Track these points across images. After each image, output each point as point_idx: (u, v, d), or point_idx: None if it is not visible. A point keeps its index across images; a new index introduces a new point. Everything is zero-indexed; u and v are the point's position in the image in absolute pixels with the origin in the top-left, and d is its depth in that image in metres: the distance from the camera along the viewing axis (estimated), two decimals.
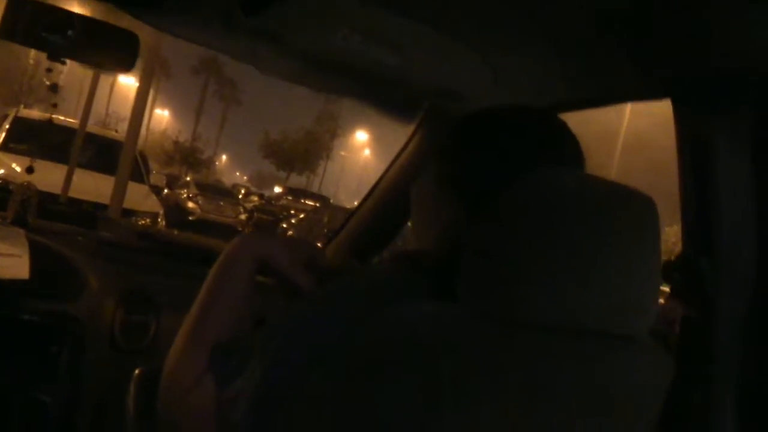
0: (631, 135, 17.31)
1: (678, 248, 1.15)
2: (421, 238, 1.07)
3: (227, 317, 0.98)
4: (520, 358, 0.76)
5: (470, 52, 1.33)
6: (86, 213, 2.63)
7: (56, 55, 1.48)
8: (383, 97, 1.76)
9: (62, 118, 9.83)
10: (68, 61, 1.53)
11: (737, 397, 1.09)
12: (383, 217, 2.02)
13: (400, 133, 2.02)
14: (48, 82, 1.65)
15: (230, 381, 0.88)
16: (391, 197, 1.97)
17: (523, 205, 0.81)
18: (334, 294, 0.93)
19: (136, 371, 1.13)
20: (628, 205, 0.82)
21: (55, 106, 1.79)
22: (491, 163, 0.98)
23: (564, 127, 1.03)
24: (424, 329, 0.76)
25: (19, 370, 1.52)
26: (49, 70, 1.58)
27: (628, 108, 15.81)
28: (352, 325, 0.85)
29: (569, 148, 1.01)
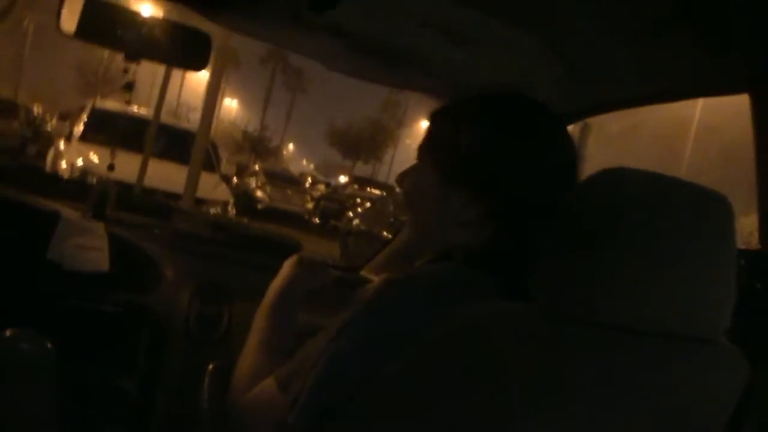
0: (703, 122, 16.79)
1: (754, 238, 1.12)
2: (427, 234, 1.07)
3: (288, 327, 1.13)
4: (595, 358, 0.76)
5: (543, 46, 1.31)
6: (161, 205, 2.71)
7: (131, 55, 1.53)
8: (450, 91, 1.76)
9: (136, 108, 10.12)
10: None
11: None
12: None
13: None
14: (124, 81, 1.70)
15: (289, 385, 0.92)
16: None
17: (597, 204, 0.80)
18: (409, 287, 0.94)
19: (210, 366, 1.17)
20: (703, 205, 0.81)
21: (129, 102, 1.84)
22: (504, 155, 0.99)
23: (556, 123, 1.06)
24: (498, 328, 0.77)
25: (101, 359, 1.58)
26: (125, 71, 1.63)
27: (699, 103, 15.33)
28: (428, 319, 0.87)
29: (568, 145, 1.04)
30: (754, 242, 1.12)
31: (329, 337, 0.91)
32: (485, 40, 1.36)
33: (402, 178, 1.14)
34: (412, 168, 1.12)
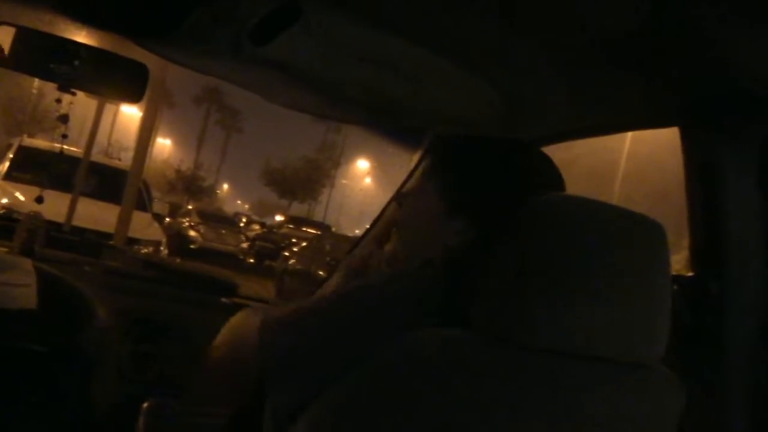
0: (631, 162, 17.36)
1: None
2: (411, 255, 1.08)
3: None
4: (533, 383, 0.76)
5: (480, 80, 1.33)
6: (91, 242, 2.62)
7: (65, 85, 1.49)
8: (390, 124, 1.77)
9: (66, 147, 9.86)
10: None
11: (748, 418, 1.08)
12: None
13: (401, 160, 2.03)
14: (57, 113, 1.65)
15: None
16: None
17: (535, 230, 0.81)
18: (357, 306, 0.94)
19: (146, 404, 1.13)
20: (640, 232, 0.82)
21: (65, 137, 1.79)
22: (494, 186, 1.04)
23: (546, 157, 1.12)
24: (440, 354, 0.76)
25: (27, 402, 1.50)
26: (58, 101, 1.58)
27: (629, 136, 15.86)
28: (372, 343, 0.86)
29: (555, 177, 1.08)
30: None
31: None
32: (425, 75, 1.38)
33: (403, 198, 1.19)
34: (413, 190, 1.16)
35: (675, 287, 1.06)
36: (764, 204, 1.09)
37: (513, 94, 1.36)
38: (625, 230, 0.81)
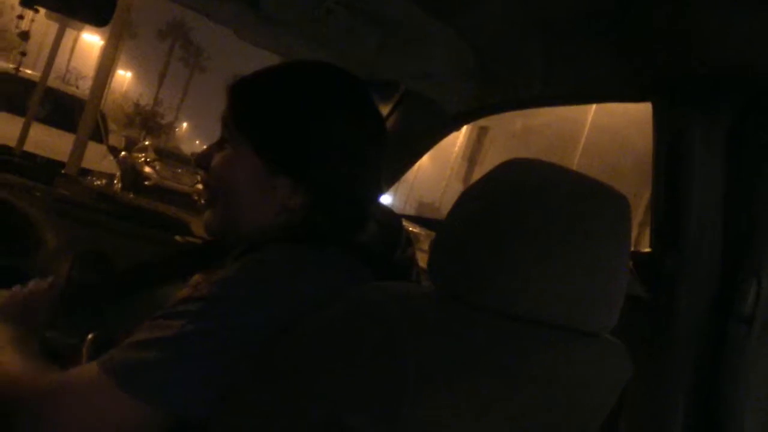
0: (592, 135, 17.55)
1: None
2: (239, 223, 1.01)
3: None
4: (484, 342, 0.76)
5: (451, 33, 1.32)
6: (44, 168, 2.56)
7: (28, 1, 1.43)
8: (359, 74, 1.75)
9: (22, 69, 9.57)
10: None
11: (690, 397, 1.11)
12: None
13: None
14: (18, 29, 1.59)
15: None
16: None
17: (498, 193, 0.80)
18: (291, 267, 0.91)
19: (89, 336, 1.11)
20: (602, 201, 0.82)
21: (24, 54, 1.72)
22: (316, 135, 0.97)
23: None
24: (392, 308, 0.76)
25: None
26: (20, 17, 1.52)
27: (593, 107, 15.99)
28: (317, 300, 0.85)
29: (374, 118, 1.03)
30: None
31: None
32: (399, 24, 1.36)
33: (205, 159, 1.05)
34: (217, 147, 1.04)
35: (630, 263, 1.08)
36: (727, 184, 1.11)
37: (485, 50, 1.35)
38: (590, 199, 0.81)
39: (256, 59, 1.67)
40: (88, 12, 1.40)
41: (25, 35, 1.51)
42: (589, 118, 17.54)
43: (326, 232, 0.97)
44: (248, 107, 1.00)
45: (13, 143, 6.74)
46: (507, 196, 0.80)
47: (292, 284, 0.88)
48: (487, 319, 0.76)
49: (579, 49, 1.20)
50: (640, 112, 1.22)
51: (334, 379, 0.75)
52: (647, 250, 1.15)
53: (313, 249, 0.94)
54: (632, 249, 0.95)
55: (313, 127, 0.97)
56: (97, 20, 1.41)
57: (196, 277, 1.15)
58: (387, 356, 0.72)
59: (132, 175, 16.18)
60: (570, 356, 0.83)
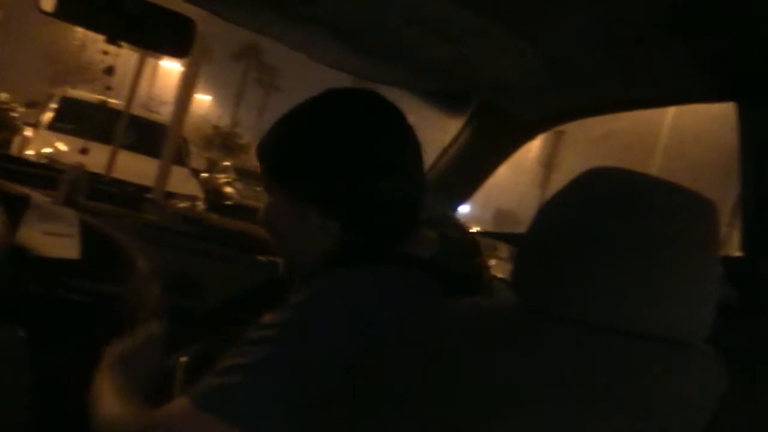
0: (673, 135, 17.05)
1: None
2: (298, 254, 1.05)
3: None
4: (573, 357, 0.75)
5: (525, 45, 1.31)
6: (132, 195, 2.66)
7: (112, 38, 1.49)
8: (432, 87, 1.75)
9: (107, 99, 9.97)
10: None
11: None
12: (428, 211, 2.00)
13: (440, 123, 2.00)
14: (103, 64, 1.66)
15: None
16: (438, 195, 1.95)
17: (581, 203, 0.79)
18: (373, 282, 0.94)
19: (182, 359, 1.14)
20: (690, 208, 0.80)
21: (109, 89, 1.80)
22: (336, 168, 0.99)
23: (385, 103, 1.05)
24: (478, 324, 0.76)
25: (68, 349, 1.53)
26: (105, 53, 1.59)
27: (672, 109, 15.55)
28: (385, 317, 0.86)
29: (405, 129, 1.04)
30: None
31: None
32: (472, 38, 1.35)
33: (263, 222, 1.11)
34: (265, 209, 1.09)
35: (721, 269, 1.04)
36: None
37: (562, 59, 1.33)
38: (678, 206, 0.79)
39: (329, 76, 1.69)
40: (169, 46, 1.46)
41: (110, 71, 1.58)
42: (669, 118, 17.05)
43: (367, 247, 0.99)
44: (266, 151, 1.06)
45: (102, 170, 7.03)
46: (593, 206, 0.78)
47: (359, 305, 0.90)
48: (576, 332, 0.75)
49: (659, 53, 1.17)
50: (723, 109, 1.18)
51: (421, 397, 0.75)
52: (738, 254, 1.11)
53: (368, 268, 0.96)
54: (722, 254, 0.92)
55: (325, 154, 0.99)
56: (178, 53, 1.46)
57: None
58: (473, 373, 0.72)
59: (214, 196, 16.60)
60: (665, 368, 0.81)
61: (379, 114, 1.04)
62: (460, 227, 1.12)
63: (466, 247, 1.07)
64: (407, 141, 1.05)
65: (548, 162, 21.01)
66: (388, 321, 0.86)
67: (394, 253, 0.99)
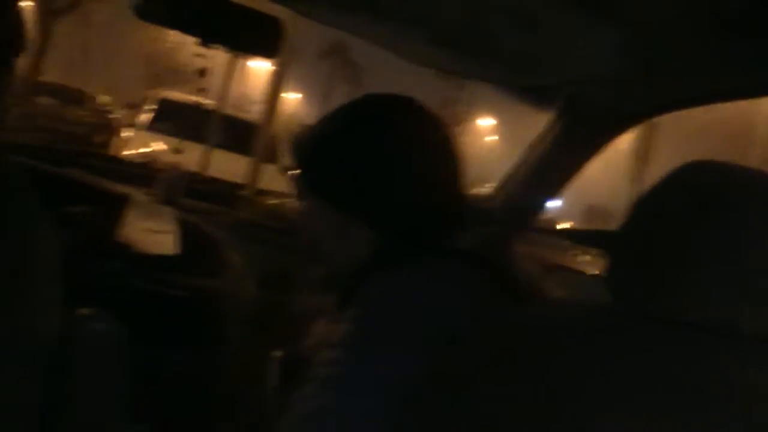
0: None
1: None
2: (336, 264, 1.04)
3: None
4: (673, 358, 0.73)
5: (617, 36, 1.27)
6: (226, 192, 2.74)
7: (205, 40, 1.54)
8: (521, 81, 1.73)
9: (201, 99, 10.32)
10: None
11: None
12: (515, 210, 1.98)
13: (528, 118, 1.98)
14: (196, 67, 1.72)
15: None
16: (527, 190, 1.93)
17: (684, 200, 0.76)
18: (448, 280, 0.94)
19: (275, 355, 1.16)
20: None
21: (203, 90, 1.86)
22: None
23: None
24: (572, 324, 0.74)
25: (167, 342, 1.60)
26: (198, 55, 1.64)
27: None
28: (483, 310, 0.85)
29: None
30: None
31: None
32: (562, 31, 1.33)
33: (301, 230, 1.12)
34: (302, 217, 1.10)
35: None
36: None
37: (650, 52, 1.29)
38: None
39: (414, 72, 1.70)
40: (259, 47, 1.49)
41: (203, 72, 1.64)
42: (766, 109, 16.29)
43: (404, 255, 0.98)
44: (303, 159, 1.06)
45: (197, 169, 7.27)
46: (692, 201, 0.75)
47: (418, 306, 0.90)
48: (676, 333, 0.73)
49: (757, 41, 1.12)
50: None
51: (515, 406, 0.74)
52: None
53: (412, 267, 0.95)
54: None
55: (362, 166, 0.99)
56: (268, 53, 1.50)
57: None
58: (569, 377, 0.71)
59: None
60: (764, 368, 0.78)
61: (417, 123, 1.03)
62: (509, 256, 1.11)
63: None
64: (445, 150, 1.04)
65: (642, 154, 20.43)
66: (449, 319, 0.86)
67: (437, 252, 0.99)
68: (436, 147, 1.03)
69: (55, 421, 0.80)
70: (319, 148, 1.04)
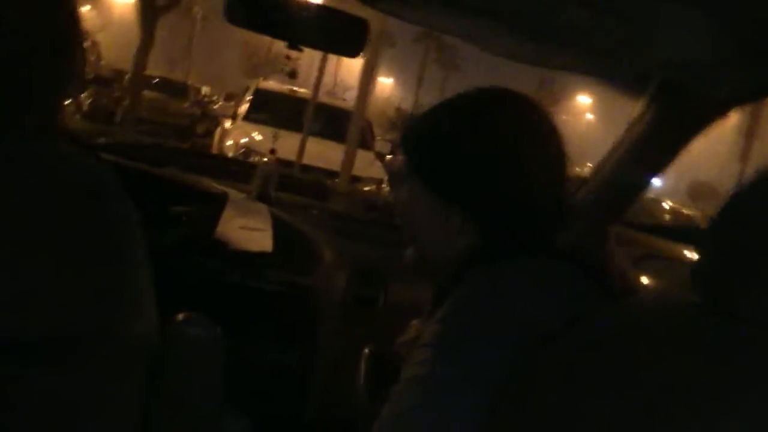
0: None
1: None
2: (433, 250, 1.04)
3: None
4: (758, 356, 0.71)
5: (709, 20, 1.23)
6: (319, 185, 2.80)
7: (293, 42, 1.58)
8: (611, 71, 1.69)
9: (296, 89, 10.48)
10: None
11: None
12: (615, 191, 1.94)
13: (627, 97, 1.93)
14: (288, 68, 1.76)
15: None
16: (626, 170, 1.88)
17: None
18: (539, 277, 0.94)
19: (366, 350, 1.18)
20: None
21: (293, 76, 1.90)
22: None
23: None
24: (661, 322, 0.73)
25: (263, 336, 1.66)
26: (288, 57, 1.69)
27: None
28: (578, 309, 0.84)
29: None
30: None
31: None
32: (651, 17, 1.29)
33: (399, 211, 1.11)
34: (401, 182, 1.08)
35: None
36: None
37: (744, 35, 1.24)
38: None
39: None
40: (344, 47, 1.52)
41: (293, 74, 1.68)
42: None
43: (505, 247, 0.97)
44: (411, 147, 1.07)
45: (293, 157, 7.43)
46: None
47: (511, 306, 0.90)
48: (762, 332, 0.71)
49: None
50: None
51: (606, 412, 0.74)
52: None
53: (510, 265, 0.95)
54: None
55: (470, 157, 0.99)
56: (351, 52, 1.52)
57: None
58: (658, 376, 0.70)
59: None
60: None
61: (524, 116, 1.04)
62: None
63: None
64: (551, 143, 1.03)
65: (749, 131, 19.42)
66: (542, 318, 0.85)
67: (534, 250, 0.99)
68: (547, 145, 1.03)
69: (155, 422, 0.84)
70: (432, 135, 1.05)
